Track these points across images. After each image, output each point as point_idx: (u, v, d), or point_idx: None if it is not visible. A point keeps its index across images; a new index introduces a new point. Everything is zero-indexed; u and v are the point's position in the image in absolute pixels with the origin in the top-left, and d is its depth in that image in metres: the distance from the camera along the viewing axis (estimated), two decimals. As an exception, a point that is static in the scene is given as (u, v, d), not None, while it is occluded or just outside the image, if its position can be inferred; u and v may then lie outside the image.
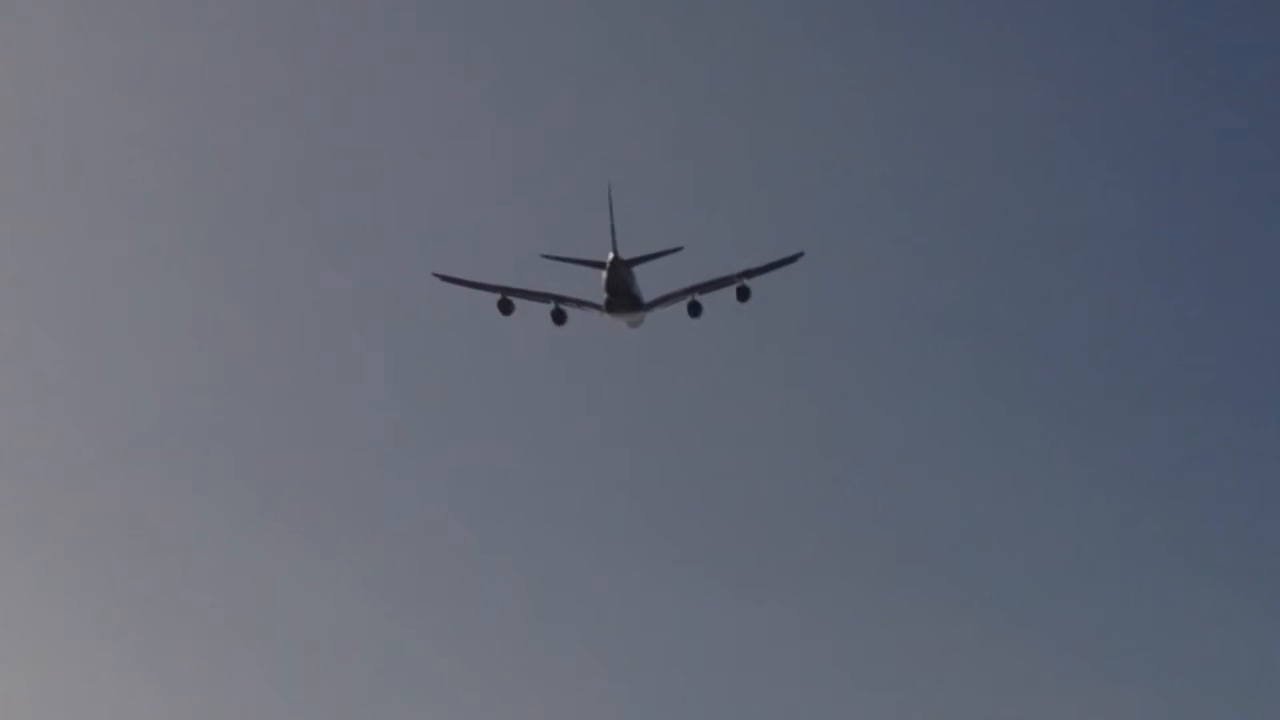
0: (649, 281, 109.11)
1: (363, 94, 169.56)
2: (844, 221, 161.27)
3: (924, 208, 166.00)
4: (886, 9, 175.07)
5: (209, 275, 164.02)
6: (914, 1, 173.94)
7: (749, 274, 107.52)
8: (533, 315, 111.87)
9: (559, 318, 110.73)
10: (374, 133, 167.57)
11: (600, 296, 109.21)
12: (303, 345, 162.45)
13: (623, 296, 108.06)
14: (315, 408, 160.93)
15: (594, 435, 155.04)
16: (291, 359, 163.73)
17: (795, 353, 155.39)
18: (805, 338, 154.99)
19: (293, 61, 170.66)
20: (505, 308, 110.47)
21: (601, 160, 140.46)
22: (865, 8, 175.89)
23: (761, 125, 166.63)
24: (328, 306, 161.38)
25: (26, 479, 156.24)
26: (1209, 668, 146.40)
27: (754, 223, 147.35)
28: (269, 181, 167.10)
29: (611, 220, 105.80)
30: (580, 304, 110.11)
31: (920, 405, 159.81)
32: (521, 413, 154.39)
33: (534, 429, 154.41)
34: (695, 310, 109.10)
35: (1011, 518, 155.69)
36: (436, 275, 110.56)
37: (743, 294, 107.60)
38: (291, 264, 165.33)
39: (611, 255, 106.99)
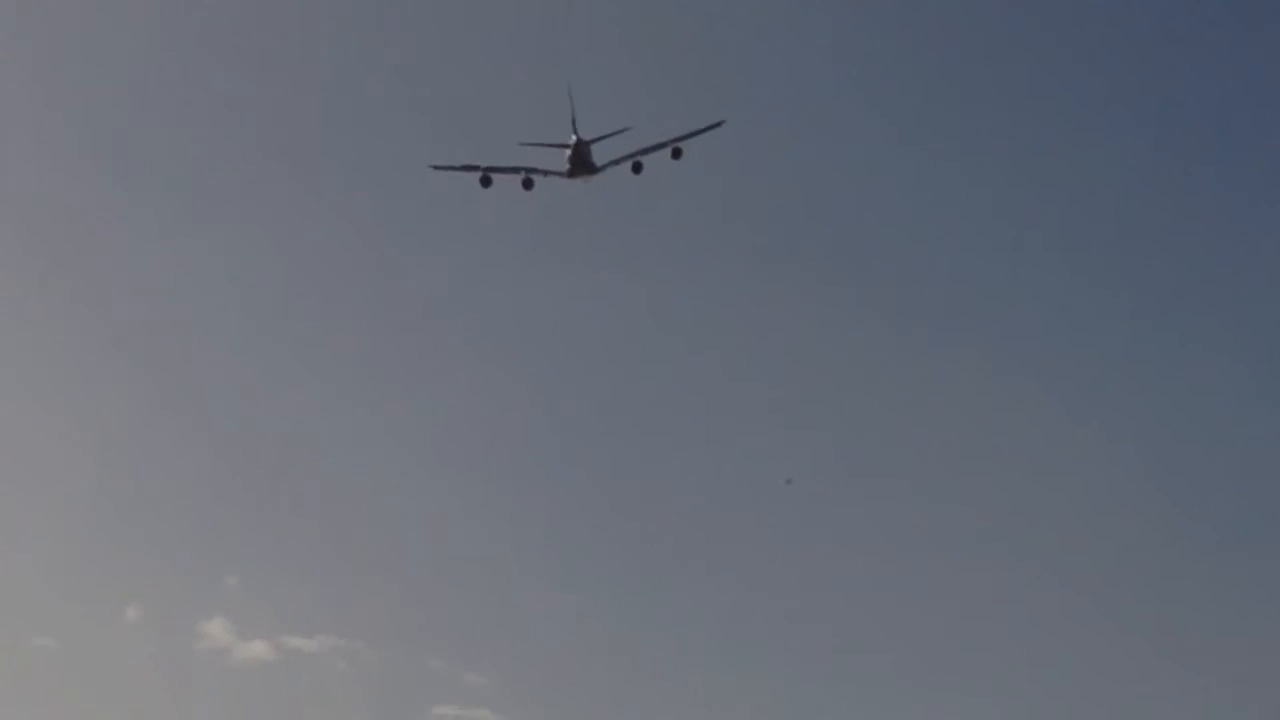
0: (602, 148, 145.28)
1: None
2: (764, 92, 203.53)
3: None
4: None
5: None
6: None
7: (681, 139, 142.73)
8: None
9: (528, 184, 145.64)
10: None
11: (563, 167, 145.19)
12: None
13: (582, 165, 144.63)
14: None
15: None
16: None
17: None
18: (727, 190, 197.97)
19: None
20: (485, 182, 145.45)
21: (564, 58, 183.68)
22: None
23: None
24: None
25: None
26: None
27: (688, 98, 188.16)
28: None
29: (572, 110, 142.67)
30: (546, 173, 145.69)
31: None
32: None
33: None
34: (637, 169, 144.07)
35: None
36: (432, 165, 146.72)
37: (676, 154, 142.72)
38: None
39: (574, 137, 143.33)
